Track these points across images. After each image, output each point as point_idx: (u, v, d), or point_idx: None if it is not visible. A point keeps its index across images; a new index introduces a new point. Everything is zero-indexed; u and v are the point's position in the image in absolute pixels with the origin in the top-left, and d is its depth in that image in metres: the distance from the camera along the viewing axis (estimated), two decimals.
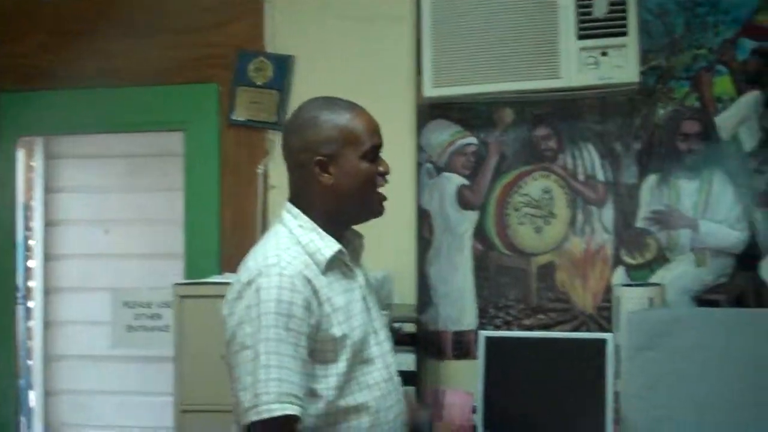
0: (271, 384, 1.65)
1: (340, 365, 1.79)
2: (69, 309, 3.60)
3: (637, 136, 2.99)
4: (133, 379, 3.50)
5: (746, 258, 2.91)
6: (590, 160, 3.03)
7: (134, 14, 3.37)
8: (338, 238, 1.87)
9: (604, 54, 2.86)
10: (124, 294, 3.43)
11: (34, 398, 3.65)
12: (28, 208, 3.67)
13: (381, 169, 1.90)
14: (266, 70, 3.26)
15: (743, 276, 2.92)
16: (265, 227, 3.22)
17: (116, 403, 3.51)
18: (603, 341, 2.77)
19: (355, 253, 1.96)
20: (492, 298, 3.09)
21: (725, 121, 2.93)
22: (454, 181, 3.13)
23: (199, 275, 3.09)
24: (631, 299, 2.82)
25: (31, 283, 3.68)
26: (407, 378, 2.26)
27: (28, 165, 3.68)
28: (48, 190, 3.62)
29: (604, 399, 2.70)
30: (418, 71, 3.08)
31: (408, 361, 2.77)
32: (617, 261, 3.01)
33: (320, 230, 1.85)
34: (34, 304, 3.66)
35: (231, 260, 3.21)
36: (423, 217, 3.14)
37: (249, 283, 1.74)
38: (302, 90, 3.20)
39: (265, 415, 1.64)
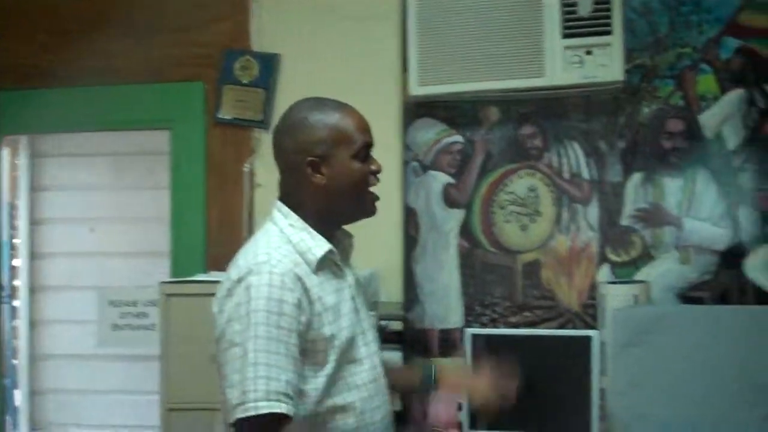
0: (260, 382, 1.64)
1: (328, 366, 1.78)
2: (54, 308, 3.59)
3: (621, 134, 3.01)
4: (119, 378, 3.49)
5: (730, 255, 2.92)
6: (575, 158, 3.04)
7: (120, 13, 3.36)
8: (329, 238, 1.87)
9: (588, 53, 2.87)
10: (110, 293, 3.43)
11: (19, 397, 3.64)
12: (12, 206, 3.66)
13: (373, 168, 1.90)
14: (252, 68, 3.26)
15: (727, 273, 2.93)
16: (251, 226, 3.22)
17: (102, 402, 3.50)
18: (588, 338, 2.78)
19: (344, 253, 1.97)
20: (478, 295, 3.10)
21: (709, 119, 2.95)
22: (440, 179, 3.14)
23: (185, 274, 3.08)
24: (616, 296, 2.84)
25: (16, 282, 3.67)
26: None
27: (12, 163, 3.67)
28: (33, 188, 3.61)
29: (590, 396, 2.71)
30: (405, 69, 3.08)
31: (394, 358, 2.78)
32: (602, 258, 3.02)
33: (311, 230, 1.85)
34: (20, 302, 3.64)
35: (217, 259, 3.21)
36: (409, 216, 3.14)
37: (239, 280, 1.74)
38: (288, 88, 3.21)
39: (252, 413, 1.63)
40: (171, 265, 3.31)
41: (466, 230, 3.12)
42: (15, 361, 3.66)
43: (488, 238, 3.11)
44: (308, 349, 1.76)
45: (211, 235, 3.29)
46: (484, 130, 3.11)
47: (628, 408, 2.67)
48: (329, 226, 1.90)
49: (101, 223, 3.55)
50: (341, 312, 1.84)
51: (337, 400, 1.80)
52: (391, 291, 3.10)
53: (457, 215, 3.12)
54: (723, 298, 2.92)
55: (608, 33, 2.86)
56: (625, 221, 3.01)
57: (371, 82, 3.11)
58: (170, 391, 2.76)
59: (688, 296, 2.95)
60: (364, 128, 1.90)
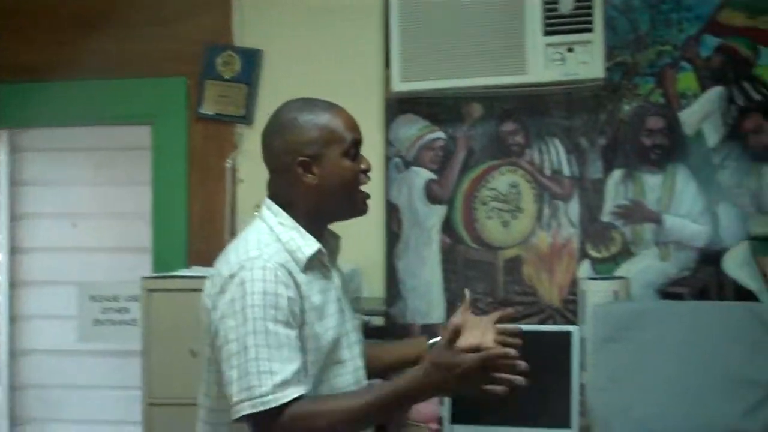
0: (264, 376, 1.65)
1: (314, 367, 1.79)
2: (35, 303, 3.57)
3: (602, 131, 3.02)
4: (100, 374, 3.48)
5: (709, 252, 2.95)
6: (556, 155, 3.06)
7: (102, 7, 3.35)
8: (318, 238, 1.88)
9: (570, 50, 2.89)
10: (91, 288, 3.42)
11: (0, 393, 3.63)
12: None
13: (363, 167, 1.91)
14: (234, 64, 3.25)
15: (706, 269, 2.95)
16: (233, 221, 3.22)
17: (83, 397, 3.49)
18: (569, 334, 2.79)
19: (332, 254, 1.97)
20: (460, 291, 3.10)
21: (689, 116, 2.97)
22: (422, 175, 3.14)
23: (167, 269, 3.08)
24: (596, 292, 2.85)
25: None
26: None
27: None
28: (13, 183, 3.58)
29: (570, 391, 2.72)
30: (387, 66, 3.09)
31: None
32: (583, 255, 3.04)
33: (301, 229, 1.85)
34: (0, 298, 3.62)
35: (199, 254, 3.22)
36: (392, 211, 3.15)
37: (231, 276, 1.74)
38: (271, 84, 3.21)
39: (261, 408, 1.64)
40: (153, 260, 3.30)
41: (448, 226, 3.13)
42: None
43: (470, 234, 3.12)
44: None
45: (193, 231, 3.29)
46: (466, 126, 3.12)
47: (608, 403, 2.69)
48: (319, 225, 1.91)
49: (83, 218, 3.53)
50: (327, 312, 1.84)
51: None
52: (374, 286, 3.10)
53: (440, 211, 3.13)
54: (702, 294, 2.94)
55: (589, 30, 2.87)
56: (605, 218, 3.02)
57: (354, 77, 3.12)
58: (152, 387, 2.77)
59: (668, 292, 2.97)
60: (354, 126, 1.91)
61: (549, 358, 2.77)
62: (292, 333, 1.72)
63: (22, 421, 3.56)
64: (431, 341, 2.15)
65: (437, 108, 3.13)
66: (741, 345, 2.64)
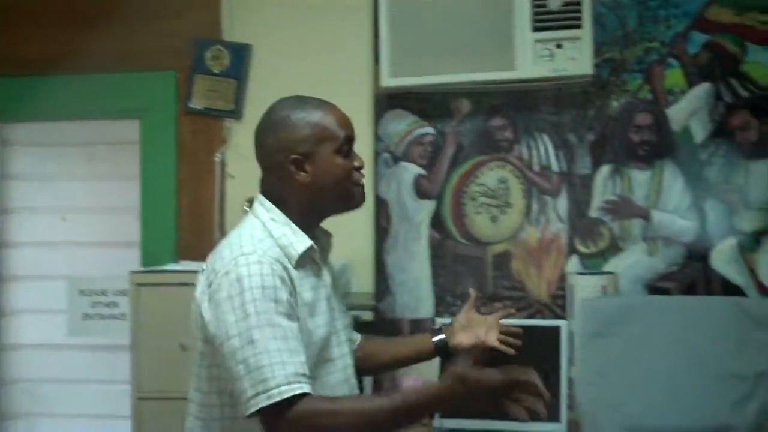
0: (276, 368, 1.64)
1: (307, 364, 1.79)
2: (24, 297, 3.56)
3: (590, 127, 3.04)
4: (89, 368, 3.47)
5: (697, 247, 2.97)
6: (545, 150, 3.07)
7: (91, 2, 3.35)
8: (310, 235, 1.88)
9: (558, 46, 2.89)
10: (80, 282, 3.41)
11: None
12: None
13: (356, 164, 1.91)
14: (223, 58, 3.25)
15: (694, 265, 2.98)
16: (222, 216, 3.22)
17: (72, 391, 3.48)
18: (557, 328, 2.81)
19: (323, 251, 1.97)
20: (449, 286, 3.12)
21: (677, 113, 2.98)
22: (411, 170, 3.15)
23: (156, 263, 3.08)
24: (584, 287, 2.87)
25: None
26: None
27: None
28: (1, 177, 3.58)
29: (559, 385, 2.74)
30: (376, 61, 3.09)
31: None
32: (571, 250, 3.05)
33: (293, 225, 1.85)
34: None
35: (187, 248, 3.22)
36: (381, 207, 3.16)
37: (227, 273, 1.73)
38: (260, 79, 3.21)
39: (277, 399, 1.62)
40: (141, 254, 3.30)
41: (437, 221, 3.14)
42: None
43: (459, 229, 3.13)
44: None
45: (181, 225, 3.29)
46: (455, 122, 3.13)
47: (596, 397, 2.70)
48: (312, 222, 1.90)
49: (72, 213, 3.52)
50: (317, 310, 1.84)
51: None
52: (363, 281, 3.11)
53: (428, 206, 3.14)
54: (690, 289, 2.96)
55: (578, 27, 2.88)
56: (593, 213, 3.04)
57: (343, 73, 3.12)
58: (141, 381, 2.77)
59: (656, 287, 2.99)
60: (346, 123, 1.90)
61: (538, 352, 2.78)
62: (294, 325, 1.72)
63: (10, 416, 3.55)
64: (435, 338, 2.16)
65: (426, 103, 3.14)
66: (728, 339, 2.66)
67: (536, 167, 3.08)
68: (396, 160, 3.16)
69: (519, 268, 3.09)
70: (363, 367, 2.12)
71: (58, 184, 3.53)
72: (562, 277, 3.04)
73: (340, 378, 1.88)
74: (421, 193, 3.14)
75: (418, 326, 3.12)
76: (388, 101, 3.15)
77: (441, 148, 3.13)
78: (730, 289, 2.93)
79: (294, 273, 1.79)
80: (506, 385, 1.71)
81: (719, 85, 2.96)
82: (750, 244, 2.94)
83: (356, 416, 1.69)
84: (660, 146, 2.99)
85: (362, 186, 1.93)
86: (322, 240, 1.96)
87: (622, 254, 3.02)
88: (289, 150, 1.84)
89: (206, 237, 3.20)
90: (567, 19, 2.88)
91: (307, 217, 1.88)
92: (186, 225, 3.28)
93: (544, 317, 3.03)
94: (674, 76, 2.98)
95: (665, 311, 2.74)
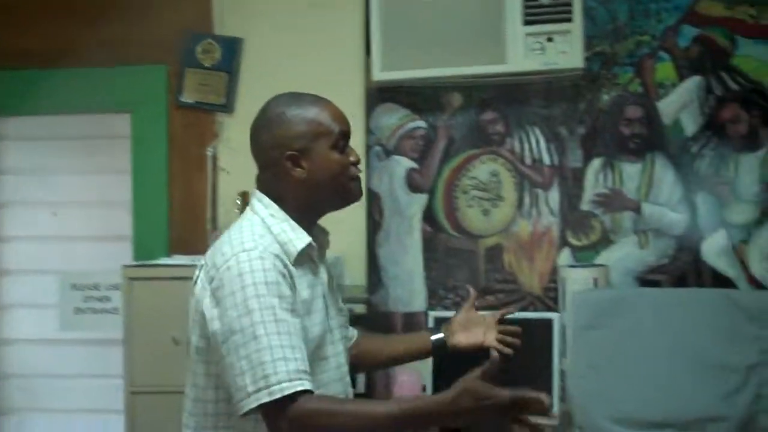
0: (279, 363, 1.64)
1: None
2: (16, 292, 3.55)
3: (581, 120, 3.05)
4: (82, 362, 3.47)
5: (687, 239, 2.98)
6: (536, 143, 3.07)
7: None
8: (308, 232, 1.88)
9: (549, 40, 2.90)
10: (72, 276, 3.40)
11: None
12: None
13: (352, 159, 1.91)
14: (214, 52, 3.24)
15: (684, 257, 2.99)
16: (214, 210, 3.22)
17: (65, 386, 3.48)
18: (549, 321, 2.82)
19: (320, 249, 1.97)
20: (441, 279, 3.13)
21: (667, 106, 3.00)
22: (403, 164, 3.16)
23: (148, 257, 3.08)
24: (576, 280, 2.88)
25: None
26: None
27: None
28: None
29: (551, 377, 2.75)
30: (367, 54, 3.09)
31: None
32: (563, 243, 3.06)
33: (292, 222, 1.85)
34: None
35: (180, 242, 3.22)
36: (373, 200, 3.16)
37: (228, 268, 1.72)
38: (251, 73, 3.20)
39: (279, 395, 1.62)
40: (133, 248, 3.30)
41: (429, 215, 3.14)
42: None
43: (451, 223, 3.13)
44: None
45: (173, 219, 3.29)
46: (446, 115, 3.13)
47: (588, 389, 2.71)
48: (310, 219, 1.90)
49: (63, 207, 3.52)
50: (314, 308, 1.84)
51: None
52: (355, 275, 3.11)
53: (421, 200, 3.15)
54: (681, 282, 2.98)
55: (569, 20, 2.89)
56: (585, 206, 3.05)
57: (334, 66, 3.12)
58: (134, 375, 2.77)
59: (647, 279, 3.00)
60: (341, 119, 1.90)
61: (529, 345, 2.78)
62: (297, 321, 1.72)
63: (4, 411, 3.55)
64: (434, 337, 2.17)
65: (417, 97, 3.14)
66: (719, 331, 2.66)
67: (528, 160, 3.08)
68: (388, 153, 3.16)
69: (511, 261, 3.10)
70: (359, 365, 2.13)
71: (50, 179, 3.52)
72: (554, 270, 3.05)
73: (333, 376, 1.88)
74: (413, 186, 3.15)
75: (410, 319, 3.13)
76: (379, 95, 3.15)
77: (433, 142, 3.14)
78: (720, 281, 2.94)
79: (293, 270, 1.79)
80: (514, 401, 1.69)
81: (710, 78, 2.97)
82: (740, 236, 2.95)
83: (357, 418, 1.68)
84: (651, 139, 3.00)
85: (359, 180, 1.93)
86: (319, 237, 1.95)
87: (613, 247, 3.03)
88: (285, 146, 1.84)
89: (198, 231, 3.21)
90: (558, 13, 2.89)
91: (304, 214, 1.87)
92: (178, 219, 3.28)
93: (536, 310, 3.05)
94: (665, 69, 2.99)
95: (656, 304, 2.74)
